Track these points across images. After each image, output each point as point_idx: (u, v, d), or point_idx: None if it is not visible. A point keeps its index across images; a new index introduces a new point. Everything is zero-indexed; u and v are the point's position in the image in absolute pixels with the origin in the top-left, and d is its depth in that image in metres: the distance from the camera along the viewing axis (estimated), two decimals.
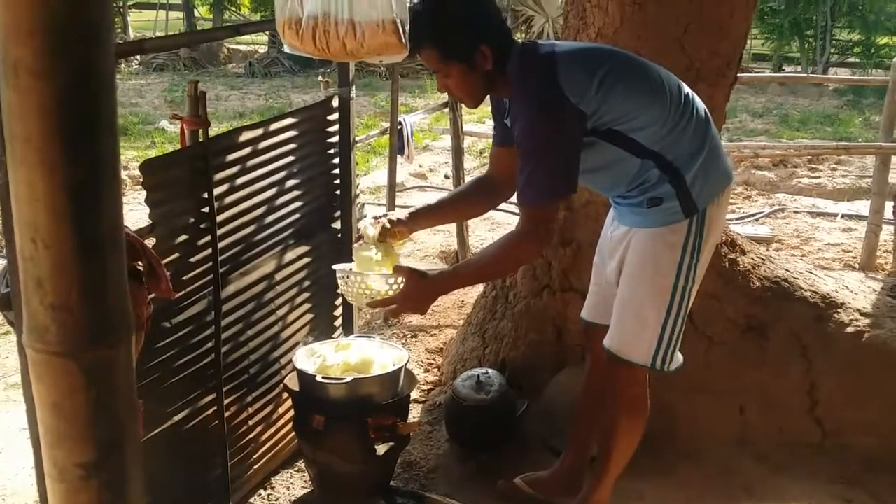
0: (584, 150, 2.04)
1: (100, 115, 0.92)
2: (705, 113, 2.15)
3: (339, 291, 2.33)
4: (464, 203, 2.45)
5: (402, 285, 2.13)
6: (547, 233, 2.09)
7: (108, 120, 0.93)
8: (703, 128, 2.11)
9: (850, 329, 2.94)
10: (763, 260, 3.13)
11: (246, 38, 15.51)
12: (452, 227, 5.38)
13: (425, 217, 2.41)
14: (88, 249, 0.94)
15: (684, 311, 2.14)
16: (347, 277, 2.24)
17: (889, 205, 5.02)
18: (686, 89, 2.15)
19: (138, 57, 13.56)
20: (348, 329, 2.98)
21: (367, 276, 2.22)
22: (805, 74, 11.62)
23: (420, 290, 2.13)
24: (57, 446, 1.04)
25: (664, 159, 2.05)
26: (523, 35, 13.19)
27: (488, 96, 2.18)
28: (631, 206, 2.14)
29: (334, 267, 2.35)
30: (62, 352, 0.99)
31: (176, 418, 2.25)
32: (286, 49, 1.87)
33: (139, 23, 17.17)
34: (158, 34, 14.73)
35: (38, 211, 0.93)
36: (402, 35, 1.76)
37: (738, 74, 3.07)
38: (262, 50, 15.11)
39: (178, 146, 2.42)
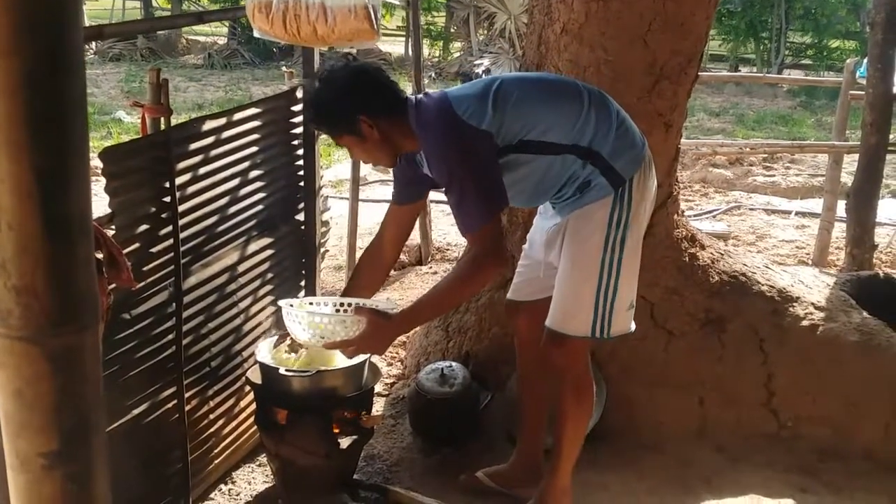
0: (509, 168, 2.14)
1: (68, 94, 0.90)
2: (599, 93, 2.25)
3: (288, 331, 2.28)
4: (359, 286, 2.46)
5: (360, 326, 2.14)
6: (501, 250, 2.15)
7: (77, 100, 0.91)
8: (605, 105, 2.21)
9: (805, 322, 3.02)
10: (722, 255, 3.19)
11: (205, 29, 15.27)
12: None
13: None
14: (55, 232, 0.92)
15: (616, 279, 2.21)
16: (297, 317, 2.20)
17: (841, 203, 5.15)
18: (573, 79, 2.28)
19: (94, 46, 13.26)
20: None
21: (321, 316, 2.20)
22: (761, 74, 11.85)
23: (381, 330, 2.15)
24: (19, 435, 1.02)
25: (581, 148, 2.15)
26: (485, 32, 13.23)
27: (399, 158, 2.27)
28: (567, 201, 2.23)
29: (280, 303, 2.32)
30: (25, 337, 0.96)
31: (135, 412, 2.21)
32: (255, 33, 1.84)
33: (95, 11, 16.76)
34: (108, 23, 14.41)
35: (3, 192, 0.91)
36: (374, 21, 1.75)
37: (698, 73, 3.12)
38: (222, 41, 14.89)
39: (135, 137, 2.37)
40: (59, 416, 1.00)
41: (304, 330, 2.20)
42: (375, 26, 1.76)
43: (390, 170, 2.43)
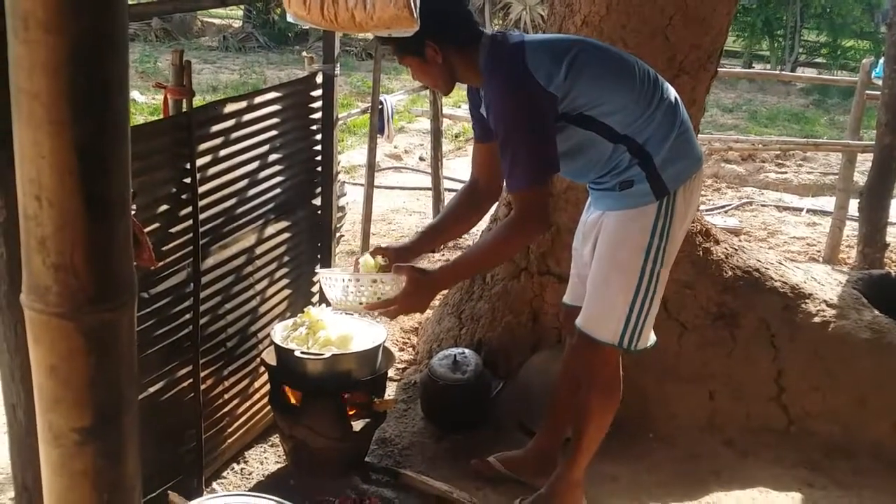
0: (561, 136, 2.09)
1: (112, 73, 0.91)
2: (676, 99, 2.19)
3: (330, 300, 2.22)
4: (454, 220, 2.43)
5: (401, 285, 2.11)
6: (545, 213, 2.12)
7: (120, 79, 0.92)
8: (673, 112, 2.16)
9: (816, 319, 3.02)
10: (735, 250, 3.19)
11: (220, 11, 15.24)
12: (428, 207, 5.40)
13: (425, 243, 2.42)
14: (95, 210, 0.93)
15: (653, 293, 2.18)
16: (337, 283, 2.15)
17: (853, 201, 5.13)
18: (655, 74, 2.20)
19: None
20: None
21: (360, 278, 2.15)
22: (775, 72, 11.77)
23: (421, 287, 2.12)
24: (53, 410, 1.03)
25: (635, 143, 2.10)
26: (500, 22, 13.17)
27: (467, 89, 2.25)
28: (605, 191, 2.20)
29: (319, 270, 2.29)
30: (62, 313, 0.98)
31: (151, 389, 2.23)
32: (289, 18, 1.85)
33: None
34: (130, 3, 14.39)
35: (43, 168, 0.92)
36: (413, 8, 1.75)
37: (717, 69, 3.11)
38: (237, 24, 14.87)
39: (149, 118, 2.39)
40: (92, 392, 1.02)
41: (344, 294, 2.16)
42: (415, 14, 1.76)
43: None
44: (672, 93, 2.19)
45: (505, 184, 2.12)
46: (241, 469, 2.65)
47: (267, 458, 2.70)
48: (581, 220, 2.41)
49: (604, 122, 2.09)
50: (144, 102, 8.53)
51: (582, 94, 2.06)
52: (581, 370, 2.34)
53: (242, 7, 13.85)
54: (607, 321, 2.20)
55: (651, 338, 2.29)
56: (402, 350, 3.43)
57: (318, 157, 2.89)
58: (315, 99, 2.83)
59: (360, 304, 2.15)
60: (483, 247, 2.20)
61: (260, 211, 2.60)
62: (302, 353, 2.36)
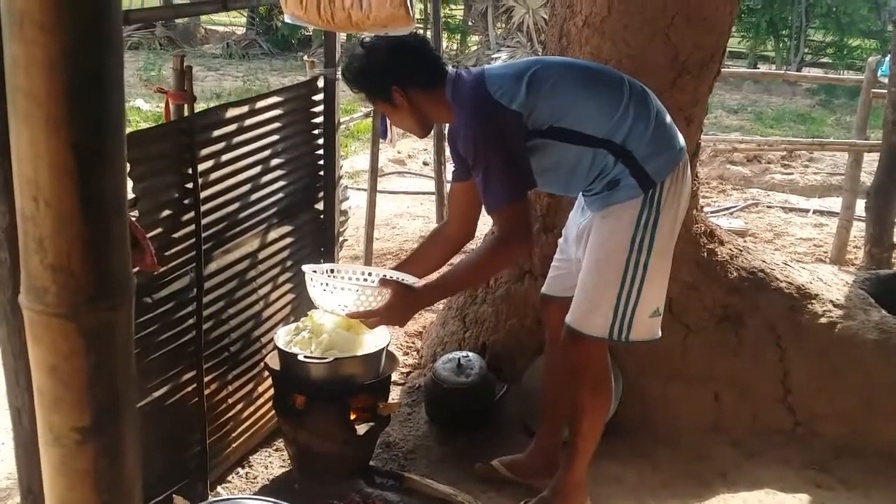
0: (538, 153, 2.13)
1: (107, 72, 0.91)
2: (641, 89, 2.22)
3: (314, 299, 2.31)
4: (423, 259, 2.46)
5: (385, 297, 2.18)
6: (526, 231, 2.16)
7: (116, 78, 0.92)
8: (645, 105, 2.18)
9: (823, 320, 3.00)
10: (741, 251, 3.17)
11: (224, 18, 15.32)
12: (432, 211, 5.40)
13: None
14: (92, 210, 0.93)
15: (640, 283, 2.18)
16: (321, 285, 2.24)
17: (860, 202, 5.11)
18: (620, 74, 2.25)
19: None
20: None
21: (346, 285, 2.23)
22: (780, 72, 11.73)
23: (405, 302, 2.19)
24: (53, 410, 1.03)
25: (614, 144, 2.13)
26: (503, 26, 13.19)
27: (447, 134, 2.32)
28: (596, 196, 2.22)
29: (304, 268, 2.34)
30: (61, 313, 0.98)
31: (155, 394, 2.23)
32: (287, 19, 1.86)
33: None
34: (132, 9, 14.44)
35: (41, 169, 0.92)
36: (409, 7, 1.75)
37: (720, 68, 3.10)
38: (240, 31, 14.93)
39: (159, 123, 2.39)
40: (92, 391, 1.02)
41: (329, 298, 2.23)
42: (411, 13, 1.76)
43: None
44: (638, 86, 2.22)
45: (484, 206, 2.17)
46: (246, 473, 2.64)
47: (272, 463, 2.70)
48: (570, 219, 2.43)
49: (578, 131, 2.12)
50: (149, 110, 8.57)
51: (547, 107, 2.11)
52: (570, 367, 2.35)
53: (246, 14, 13.92)
54: (595, 316, 2.22)
55: (652, 332, 2.28)
56: (406, 354, 3.43)
57: (321, 162, 2.89)
58: (317, 103, 2.83)
59: (344, 308, 2.22)
60: (468, 265, 2.24)
61: (262, 216, 2.61)
62: (305, 356, 2.36)
